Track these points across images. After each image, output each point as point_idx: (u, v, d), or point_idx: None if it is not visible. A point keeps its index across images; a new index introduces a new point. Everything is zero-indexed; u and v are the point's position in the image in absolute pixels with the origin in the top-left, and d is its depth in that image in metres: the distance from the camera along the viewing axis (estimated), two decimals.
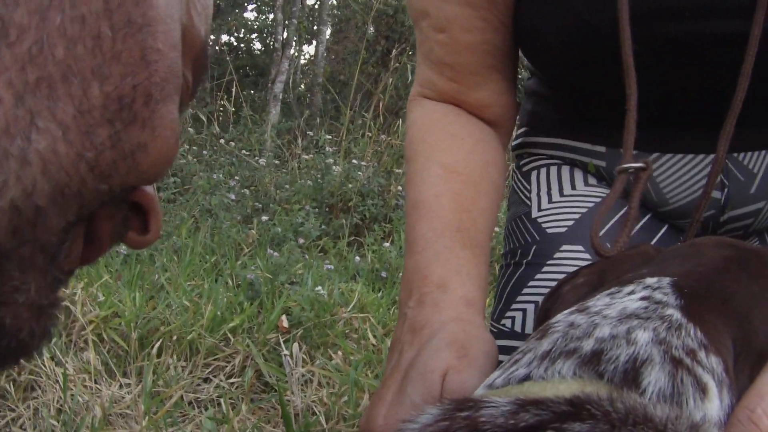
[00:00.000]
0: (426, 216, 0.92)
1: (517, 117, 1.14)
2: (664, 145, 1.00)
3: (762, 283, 0.59)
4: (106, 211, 0.52)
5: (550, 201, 1.07)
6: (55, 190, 0.44)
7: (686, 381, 0.47)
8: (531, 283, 1.01)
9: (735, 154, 0.96)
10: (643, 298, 0.54)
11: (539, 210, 1.07)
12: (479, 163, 0.99)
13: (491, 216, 0.97)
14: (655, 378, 0.47)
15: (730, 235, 1.05)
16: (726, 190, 0.99)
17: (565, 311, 0.57)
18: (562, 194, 1.07)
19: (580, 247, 0.98)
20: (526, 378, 0.52)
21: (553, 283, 0.96)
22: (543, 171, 1.11)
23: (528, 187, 1.12)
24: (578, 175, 1.09)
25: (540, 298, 0.96)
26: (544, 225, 1.05)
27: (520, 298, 1.01)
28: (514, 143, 1.20)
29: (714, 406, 0.47)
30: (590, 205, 1.03)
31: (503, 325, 1.01)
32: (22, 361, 0.52)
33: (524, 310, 0.99)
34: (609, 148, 1.03)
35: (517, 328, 0.99)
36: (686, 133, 0.98)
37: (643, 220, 1.05)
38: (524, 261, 1.04)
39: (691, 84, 0.92)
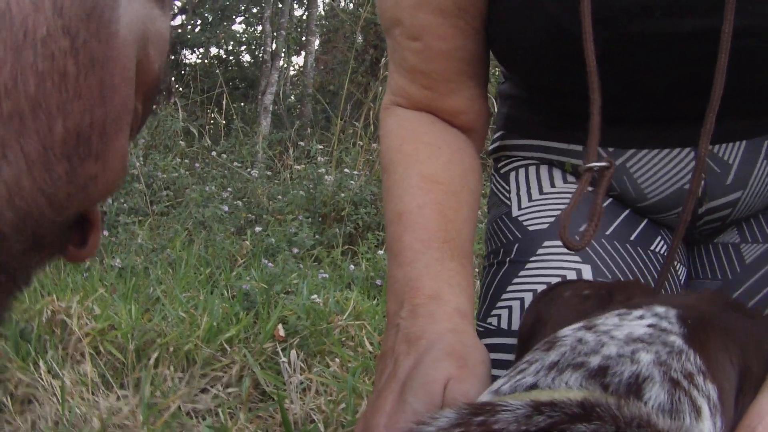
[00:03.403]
0: (411, 227, 0.92)
1: (492, 121, 1.15)
2: (640, 141, 1.01)
3: (755, 320, 0.64)
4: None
5: (530, 200, 1.08)
6: (17, 219, 0.47)
7: (683, 400, 0.49)
8: (515, 281, 1.01)
9: (710, 147, 0.97)
10: (650, 326, 0.57)
11: (519, 209, 1.08)
12: (458, 172, 0.99)
13: (472, 225, 0.98)
14: (655, 393, 0.49)
15: (709, 226, 1.06)
16: (703, 182, 1.00)
17: (574, 326, 0.59)
18: (541, 192, 1.08)
19: (557, 242, 0.98)
20: (534, 386, 0.54)
21: (537, 279, 0.98)
22: (522, 171, 1.12)
23: (507, 187, 1.12)
24: (557, 173, 1.10)
25: (525, 295, 0.98)
26: (525, 223, 1.06)
27: (504, 296, 1.01)
28: (491, 147, 1.20)
29: (707, 427, 0.50)
30: (581, 195, 1.05)
31: (489, 323, 1.01)
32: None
33: (510, 308, 1.00)
34: (585, 147, 1.05)
35: (504, 325, 0.99)
36: (661, 129, 0.99)
37: (623, 215, 1.06)
38: (507, 259, 1.05)
39: (664, 80, 0.93)
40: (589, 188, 0.98)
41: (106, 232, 3.86)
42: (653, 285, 1.00)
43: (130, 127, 0.55)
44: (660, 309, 0.59)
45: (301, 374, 2.17)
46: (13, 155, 0.45)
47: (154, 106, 0.64)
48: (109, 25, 0.49)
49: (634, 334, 0.55)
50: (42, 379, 2.06)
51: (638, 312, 0.59)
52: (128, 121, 0.53)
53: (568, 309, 0.72)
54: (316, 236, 3.98)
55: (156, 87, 0.60)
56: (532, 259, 1.01)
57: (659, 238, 1.07)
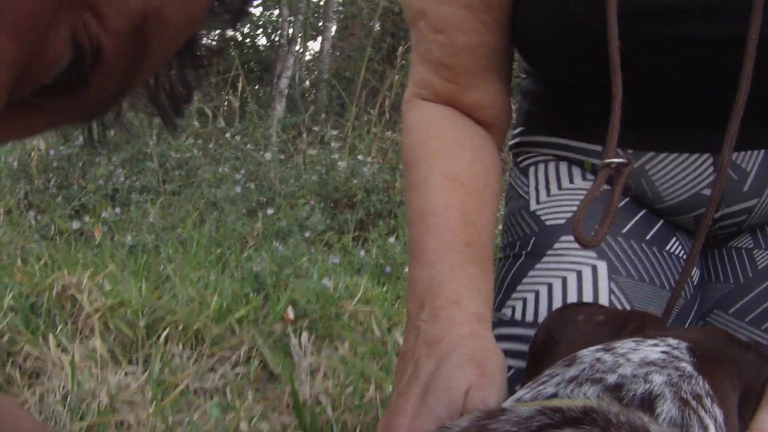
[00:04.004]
0: (434, 228, 0.93)
1: (514, 116, 1.15)
2: (659, 144, 1.01)
3: (755, 352, 0.70)
4: None
5: (548, 194, 1.08)
6: None
7: (692, 417, 0.54)
8: (531, 273, 1.02)
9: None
10: (663, 352, 0.61)
11: (538, 203, 1.08)
12: (481, 172, 1.00)
13: (493, 227, 0.99)
14: (667, 408, 0.54)
15: (724, 231, 1.07)
16: (714, 182, 1.00)
17: (592, 348, 0.64)
18: (560, 188, 1.08)
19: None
20: (554, 396, 0.58)
21: (553, 273, 1.00)
22: (541, 167, 1.12)
23: (526, 182, 1.12)
24: (576, 170, 1.10)
25: (540, 288, 0.99)
26: (542, 217, 1.06)
27: (519, 288, 1.02)
28: (511, 143, 1.21)
29: None
30: (598, 192, 1.06)
31: (503, 314, 1.02)
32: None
33: (524, 299, 1.00)
34: (605, 146, 1.05)
35: (518, 316, 1.00)
36: (681, 133, 0.99)
37: (640, 214, 1.06)
38: (523, 252, 1.05)
39: (685, 84, 0.93)
40: (607, 186, 0.99)
41: (117, 210, 3.87)
42: (668, 286, 1.01)
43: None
44: (672, 341, 0.64)
45: (310, 357, 2.17)
46: None
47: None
48: None
49: (648, 358, 0.60)
50: (51, 354, 2.07)
51: (653, 341, 0.64)
52: None
53: (580, 335, 0.77)
54: (328, 221, 3.98)
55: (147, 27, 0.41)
56: (549, 252, 1.02)
57: (675, 239, 1.07)
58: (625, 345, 0.63)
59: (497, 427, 0.52)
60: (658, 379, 0.56)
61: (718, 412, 0.56)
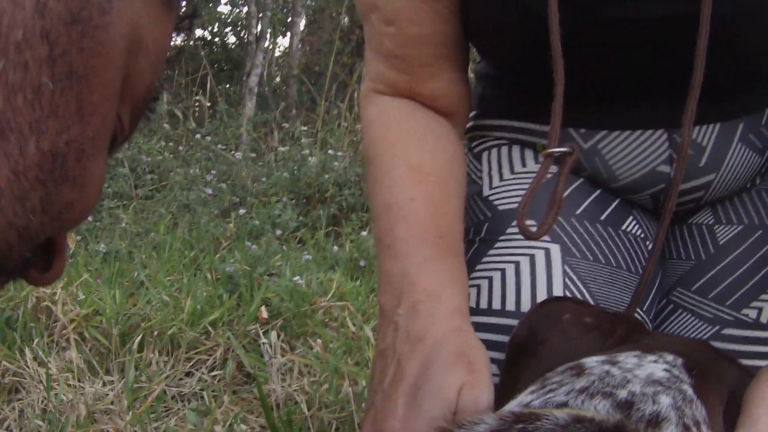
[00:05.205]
0: (403, 219, 0.92)
1: None
2: (611, 122, 1.01)
3: (738, 366, 0.74)
4: None
5: (501, 179, 1.08)
6: None
7: None
8: (484, 259, 1.01)
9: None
10: (665, 370, 0.64)
11: (491, 188, 1.08)
12: (444, 161, 0.99)
13: (461, 217, 0.98)
14: (672, 431, 0.57)
15: (682, 207, 1.07)
16: (675, 164, 1.01)
17: (597, 358, 0.66)
18: (512, 172, 1.08)
19: (532, 222, 0.98)
20: (564, 405, 0.60)
21: (505, 259, 0.99)
22: (494, 151, 1.12)
23: (479, 167, 1.12)
24: (528, 153, 1.09)
25: (493, 274, 0.99)
26: (495, 202, 1.05)
27: (474, 275, 1.01)
28: (466, 126, 1.20)
29: None
30: (541, 181, 1.06)
31: None
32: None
33: (478, 287, 0.99)
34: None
35: (472, 303, 0.98)
36: (633, 110, 0.99)
37: (594, 195, 1.06)
38: (477, 238, 1.05)
39: (636, 63, 0.93)
40: (555, 168, 0.99)
41: (90, 217, 3.86)
42: (625, 266, 1.01)
43: (111, 145, 0.49)
44: (669, 357, 0.67)
45: (283, 356, 2.19)
46: None
47: (142, 118, 0.56)
48: (95, 33, 0.41)
49: (653, 376, 0.62)
50: (28, 367, 2.07)
51: (652, 357, 0.67)
52: (107, 140, 0.47)
53: (567, 339, 0.78)
54: (300, 218, 3.98)
55: (145, 101, 0.53)
56: (501, 238, 1.01)
57: (631, 218, 1.06)
58: (629, 360, 0.65)
59: None
60: (665, 400, 0.59)
61: None
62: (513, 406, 0.63)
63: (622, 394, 0.60)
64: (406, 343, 0.83)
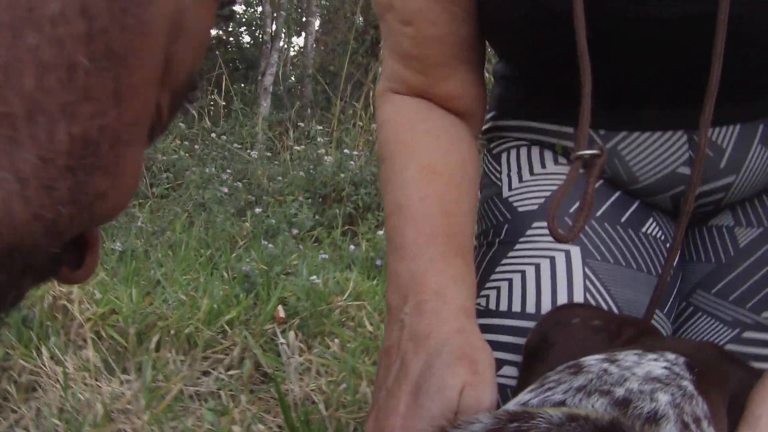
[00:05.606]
0: (412, 220, 0.92)
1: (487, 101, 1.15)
2: (631, 124, 1.00)
3: (746, 368, 0.73)
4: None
5: (520, 180, 1.08)
6: (2, 253, 0.38)
7: None
8: (504, 261, 1.01)
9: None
10: (665, 368, 0.64)
11: (510, 189, 1.08)
12: (457, 162, 0.99)
13: (473, 217, 0.98)
14: (669, 429, 0.56)
15: (702, 209, 1.06)
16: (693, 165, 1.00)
17: (597, 357, 0.66)
18: (532, 173, 1.08)
19: (543, 224, 0.99)
20: (562, 403, 0.60)
21: (526, 261, 0.99)
22: (513, 152, 1.12)
23: (498, 168, 1.12)
24: (548, 155, 1.09)
25: (513, 276, 0.99)
26: (515, 204, 1.05)
27: (493, 277, 1.01)
28: (484, 128, 1.20)
29: None
30: (560, 183, 1.04)
31: (478, 304, 1.01)
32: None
33: (498, 288, 0.99)
34: (576, 128, 1.04)
35: (492, 306, 0.99)
36: (653, 111, 0.99)
37: (614, 197, 1.06)
38: (497, 240, 1.05)
39: (656, 64, 0.92)
40: (581, 170, 0.99)
41: None
42: (645, 268, 1.01)
43: (149, 134, 0.46)
44: (671, 356, 0.66)
45: (300, 355, 2.18)
46: (0, 173, 0.35)
47: (182, 107, 0.54)
48: (138, 10, 0.38)
49: (652, 374, 0.62)
50: (45, 366, 2.07)
51: (653, 355, 0.66)
52: (146, 129, 0.44)
53: (576, 340, 0.79)
54: (316, 217, 3.98)
55: (185, 89, 0.50)
56: (521, 240, 1.01)
57: (651, 220, 1.06)
58: (628, 358, 0.65)
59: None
60: (663, 398, 0.58)
61: None
62: (511, 405, 0.63)
63: (620, 391, 0.59)
64: (411, 342, 0.83)
